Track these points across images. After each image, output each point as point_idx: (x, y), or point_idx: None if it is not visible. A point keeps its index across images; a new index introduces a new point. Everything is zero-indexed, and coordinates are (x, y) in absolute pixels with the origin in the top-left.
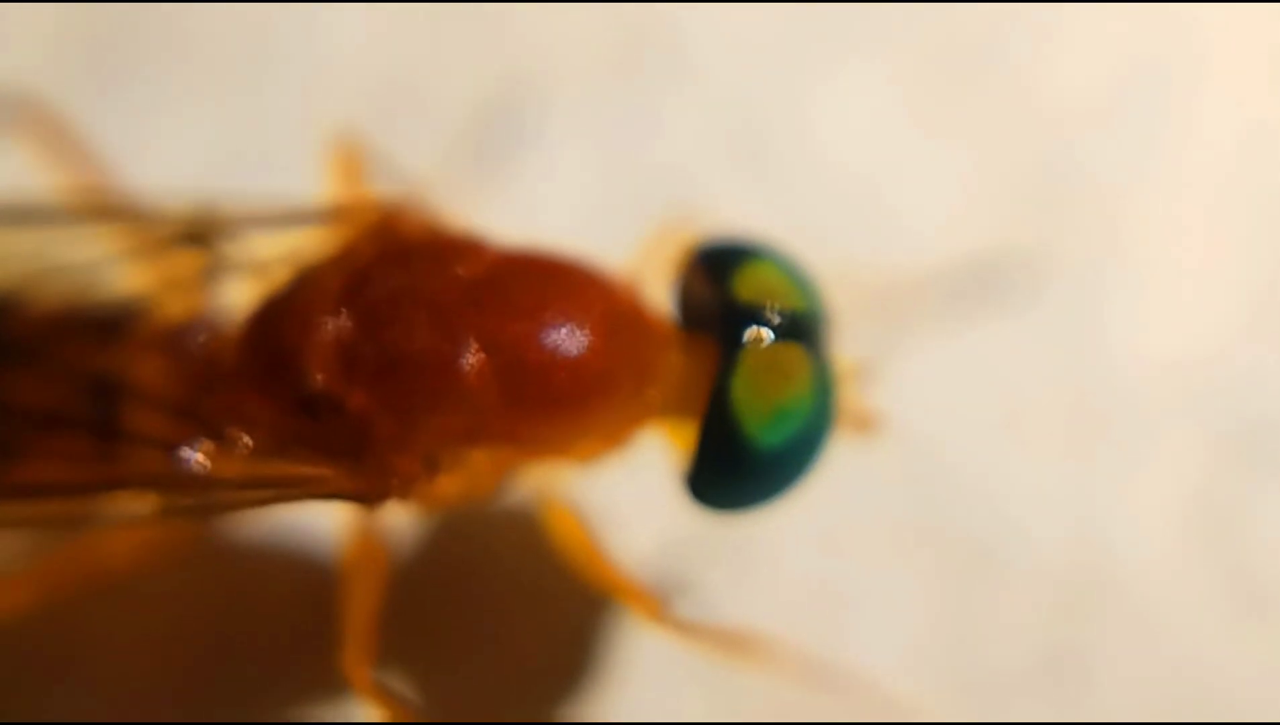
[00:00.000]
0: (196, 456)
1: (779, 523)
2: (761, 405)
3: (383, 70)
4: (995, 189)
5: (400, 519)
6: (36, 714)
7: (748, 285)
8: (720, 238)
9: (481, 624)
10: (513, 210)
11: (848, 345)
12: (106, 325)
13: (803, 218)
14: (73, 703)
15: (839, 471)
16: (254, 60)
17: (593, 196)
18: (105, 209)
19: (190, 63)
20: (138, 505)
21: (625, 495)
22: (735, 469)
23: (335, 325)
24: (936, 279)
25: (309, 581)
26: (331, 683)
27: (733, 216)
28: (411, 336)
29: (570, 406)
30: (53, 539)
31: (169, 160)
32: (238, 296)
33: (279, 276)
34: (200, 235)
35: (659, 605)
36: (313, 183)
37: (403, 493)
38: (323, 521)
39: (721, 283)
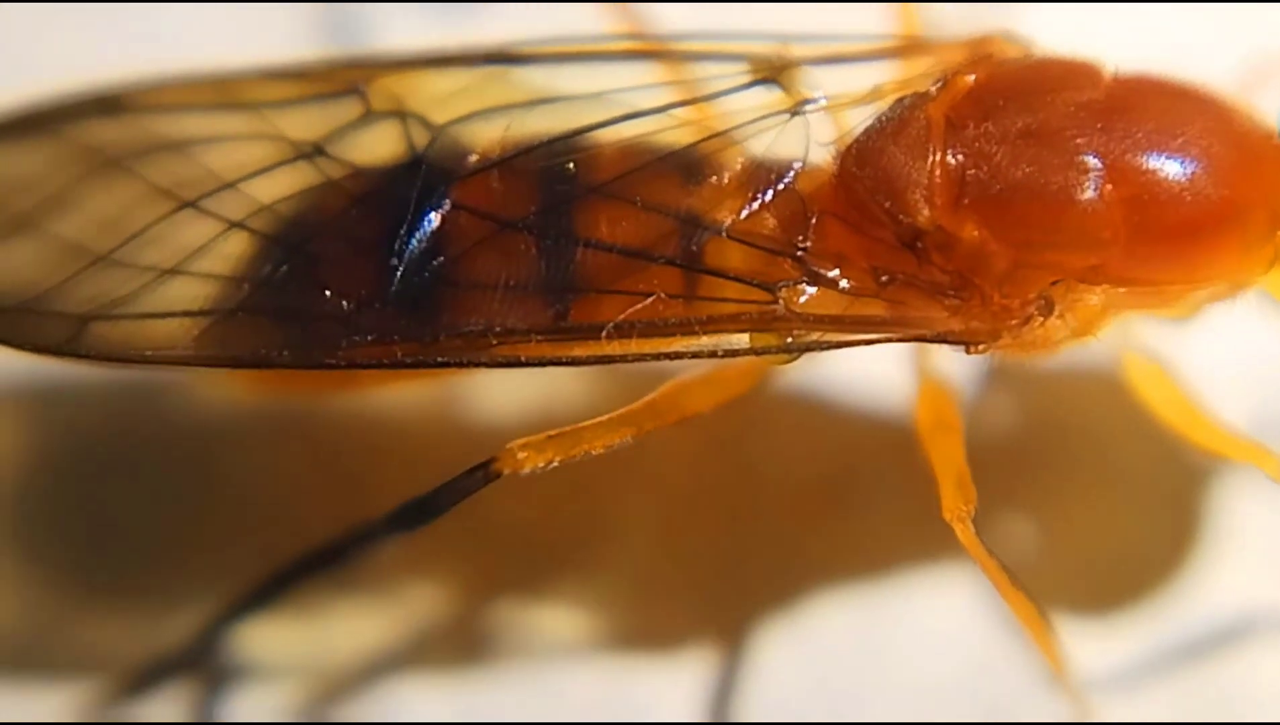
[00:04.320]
0: (794, 296)
1: None
2: None
3: None
4: None
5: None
6: (526, 589)
7: None
8: None
9: (1056, 482)
10: None
11: None
12: (685, 167)
13: None
14: (585, 581)
15: None
16: None
17: None
18: (664, 52)
19: None
20: (728, 344)
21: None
22: None
23: (943, 157)
24: None
25: (836, 434)
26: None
27: None
28: (1031, 165)
29: (1200, 246)
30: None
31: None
32: (817, 135)
33: (862, 114)
34: (776, 75)
35: None
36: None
37: (1014, 336)
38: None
39: None
